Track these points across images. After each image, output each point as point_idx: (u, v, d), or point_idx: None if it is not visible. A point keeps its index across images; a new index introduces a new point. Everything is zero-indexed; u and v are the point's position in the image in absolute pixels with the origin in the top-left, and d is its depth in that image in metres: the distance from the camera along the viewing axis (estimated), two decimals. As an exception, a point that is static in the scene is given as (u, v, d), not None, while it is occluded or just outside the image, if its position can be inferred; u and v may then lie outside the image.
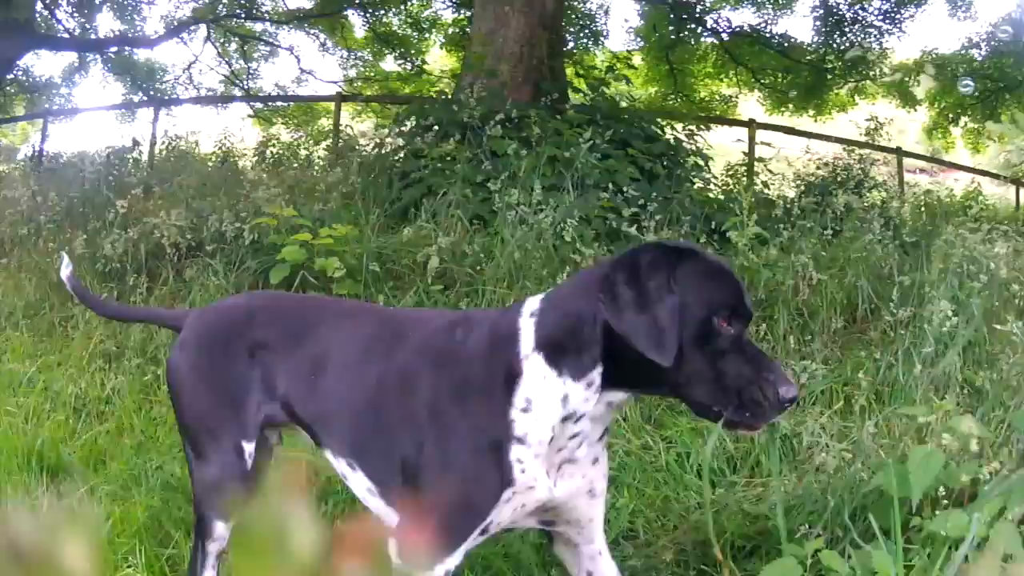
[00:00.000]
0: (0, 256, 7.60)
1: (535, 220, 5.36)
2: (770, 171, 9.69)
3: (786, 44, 15.93)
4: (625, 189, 6.20)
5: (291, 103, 18.76)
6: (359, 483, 2.20)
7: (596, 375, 1.88)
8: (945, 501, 2.38)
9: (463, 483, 1.94)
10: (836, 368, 4.48)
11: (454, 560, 1.97)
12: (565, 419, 1.92)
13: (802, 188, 8.93)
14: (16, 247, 7.50)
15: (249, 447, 2.34)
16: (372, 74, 19.39)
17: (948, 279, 4.69)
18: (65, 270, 2.92)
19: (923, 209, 8.65)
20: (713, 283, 1.86)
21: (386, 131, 8.56)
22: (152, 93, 18.31)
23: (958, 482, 2.40)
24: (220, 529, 2.38)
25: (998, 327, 3.77)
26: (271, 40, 19.43)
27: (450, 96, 9.09)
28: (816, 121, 16.58)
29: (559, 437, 1.94)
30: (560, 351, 1.90)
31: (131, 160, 9.83)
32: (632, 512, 3.37)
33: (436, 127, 7.78)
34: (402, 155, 7.78)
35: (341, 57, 19.50)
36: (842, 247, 5.74)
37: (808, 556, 2.39)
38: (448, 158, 7.02)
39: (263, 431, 2.43)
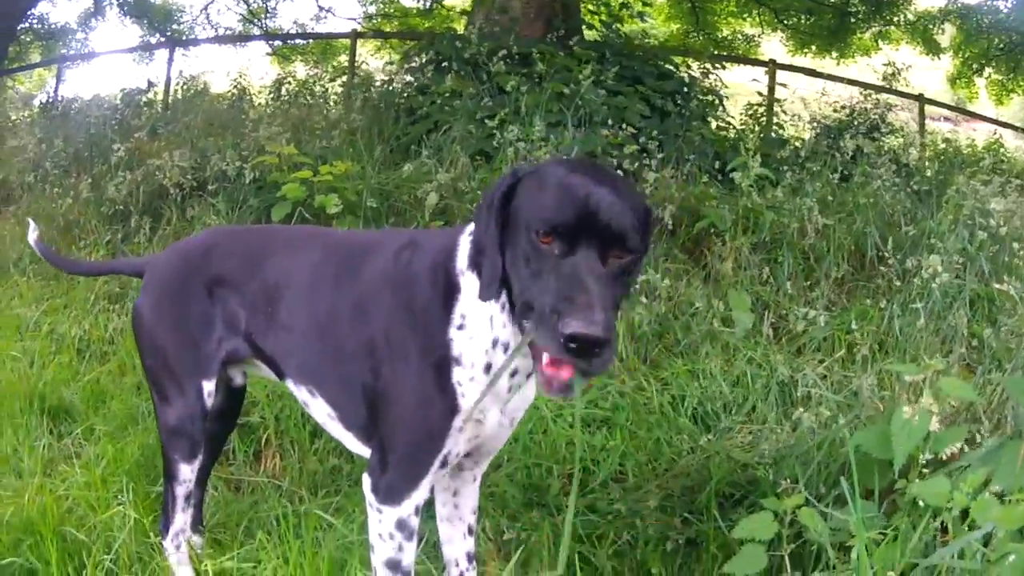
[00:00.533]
0: (8, 203, 7.64)
1: (535, 156, 5.26)
2: (784, 112, 9.51)
3: (810, -15, 15.43)
4: (624, 126, 6.07)
5: (309, 41, 18.48)
6: (319, 409, 2.19)
7: (504, 295, 1.82)
8: (926, 469, 2.28)
9: (417, 409, 1.93)
10: (840, 315, 4.37)
11: (421, 494, 1.98)
12: (495, 344, 1.88)
13: (817, 131, 8.76)
14: (25, 193, 7.52)
15: (209, 386, 2.34)
16: (391, 11, 19.04)
17: (958, 230, 4.57)
18: (32, 235, 2.96)
19: (941, 158, 8.44)
20: (540, 197, 1.69)
21: (393, 67, 8.43)
22: (169, 34, 18.09)
23: (941, 447, 2.31)
24: (185, 472, 2.39)
25: (996, 286, 3.65)
26: (290, -23, 19.04)
27: (460, 32, 8.94)
28: (839, 65, 16.13)
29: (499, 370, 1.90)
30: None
31: (144, 102, 9.76)
32: (622, 454, 3.33)
33: (444, 63, 7.66)
34: (408, 92, 7.67)
35: (360, -7, 19.10)
36: (851, 192, 5.59)
37: (787, 512, 2.33)
38: (447, 94, 6.91)
39: (227, 369, 2.42)
